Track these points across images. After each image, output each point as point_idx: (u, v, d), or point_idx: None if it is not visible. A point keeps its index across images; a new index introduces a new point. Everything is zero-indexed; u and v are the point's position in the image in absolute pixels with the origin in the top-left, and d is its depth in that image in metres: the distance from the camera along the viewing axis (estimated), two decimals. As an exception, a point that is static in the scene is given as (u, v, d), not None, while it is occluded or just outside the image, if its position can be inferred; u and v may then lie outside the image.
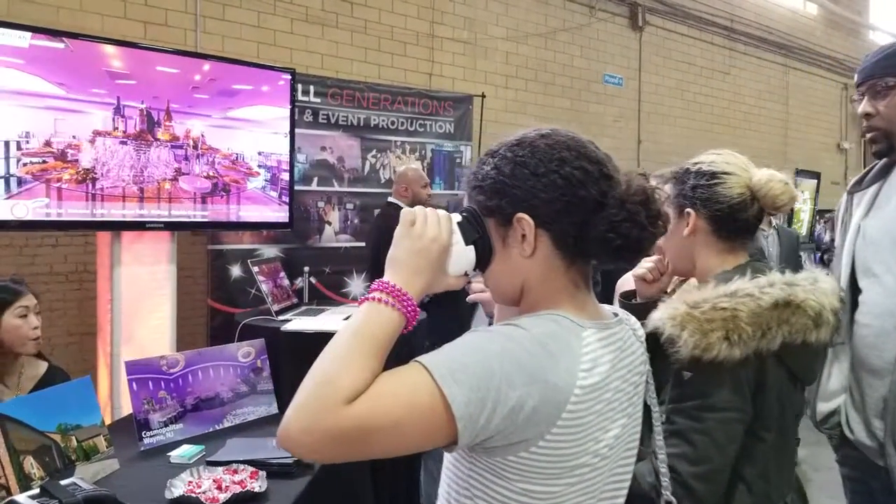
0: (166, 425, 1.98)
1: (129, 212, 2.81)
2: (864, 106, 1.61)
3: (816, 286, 1.18)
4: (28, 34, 2.56)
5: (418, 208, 0.94)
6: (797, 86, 8.63)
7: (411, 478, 2.38)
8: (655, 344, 1.06)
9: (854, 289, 1.63)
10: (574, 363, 0.86)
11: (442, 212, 0.94)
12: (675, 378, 1.19)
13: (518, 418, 0.80)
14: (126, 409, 2.50)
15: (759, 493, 1.22)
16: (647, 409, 1.03)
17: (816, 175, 7.59)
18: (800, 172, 7.26)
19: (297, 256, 4.12)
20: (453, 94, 5.01)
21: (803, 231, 7.33)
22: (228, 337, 3.90)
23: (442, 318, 3.02)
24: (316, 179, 4.30)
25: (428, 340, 2.83)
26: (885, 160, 1.66)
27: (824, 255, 6.11)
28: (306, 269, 4.20)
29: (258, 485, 1.62)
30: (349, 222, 4.50)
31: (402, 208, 3.29)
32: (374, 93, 4.55)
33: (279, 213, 3.29)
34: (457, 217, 0.94)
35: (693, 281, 1.42)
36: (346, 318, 2.61)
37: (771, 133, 8.34)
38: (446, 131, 4.88)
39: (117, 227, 2.80)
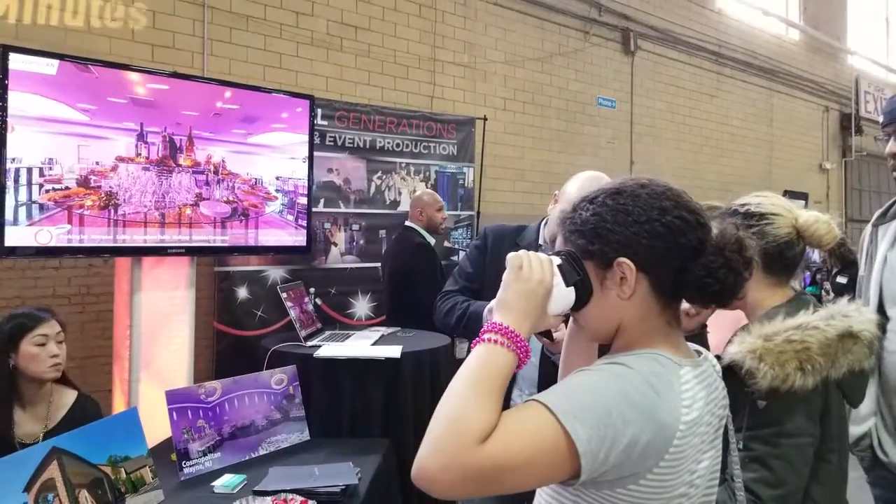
0: (205, 454, 1.99)
1: (151, 237, 2.82)
2: (891, 146, 1.70)
3: (864, 317, 1.29)
4: (56, 62, 2.58)
5: (523, 252, 0.98)
6: (781, 108, 8.84)
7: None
8: (729, 375, 1.13)
9: (881, 317, 1.70)
10: (677, 400, 0.91)
11: (543, 255, 0.98)
12: (750, 407, 1.26)
13: (633, 454, 0.85)
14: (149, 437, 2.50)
15: None
16: (724, 439, 1.08)
17: (805, 196, 7.78)
18: (788, 193, 7.42)
19: (304, 277, 4.13)
20: (456, 117, 5.07)
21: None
22: (234, 360, 3.92)
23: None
24: (322, 201, 4.33)
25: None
26: None
27: (816, 275, 6.23)
28: (312, 290, 4.22)
29: (311, 512, 1.64)
30: (355, 243, 4.53)
31: (419, 232, 3.33)
32: (380, 115, 4.59)
33: (296, 237, 3.31)
34: (557, 260, 0.99)
35: (723, 312, 1.48)
36: (375, 343, 2.62)
37: (757, 154, 8.52)
38: (450, 153, 4.94)
39: (139, 252, 2.81)
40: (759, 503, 1.19)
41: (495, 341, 0.90)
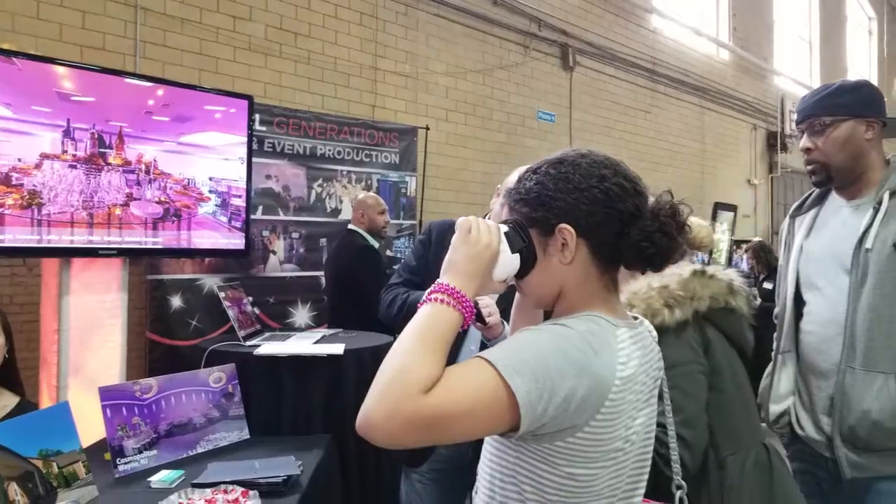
0: (140, 452, 1.94)
1: (79, 238, 2.69)
2: (804, 142, 1.81)
3: (726, 271, 1.54)
4: (-25, 52, 2.45)
5: (472, 217, 1.01)
6: (712, 125, 9.18)
7: (392, 488, 2.40)
8: None
9: (798, 302, 1.85)
10: (613, 357, 0.95)
11: (492, 222, 1.01)
12: None
13: (570, 407, 0.89)
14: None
15: (732, 432, 1.42)
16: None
17: (733, 208, 8.06)
18: (719, 205, 7.69)
19: (241, 286, 4.03)
20: (398, 126, 5.07)
21: (721, 259, 7.75)
22: (168, 370, 3.74)
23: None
24: (261, 208, 4.24)
25: None
26: (827, 188, 1.87)
27: (757, 279, 6.45)
28: (249, 298, 4.10)
29: (252, 503, 1.59)
30: (294, 251, 4.45)
31: (361, 235, 3.32)
32: (321, 122, 4.55)
33: (231, 240, 3.21)
34: (504, 228, 1.01)
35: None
36: (317, 342, 2.58)
37: (689, 169, 8.80)
38: (392, 162, 4.92)
39: (68, 253, 2.67)
40: (665, 431, 1.27)
41: (441, 300, 0.93)
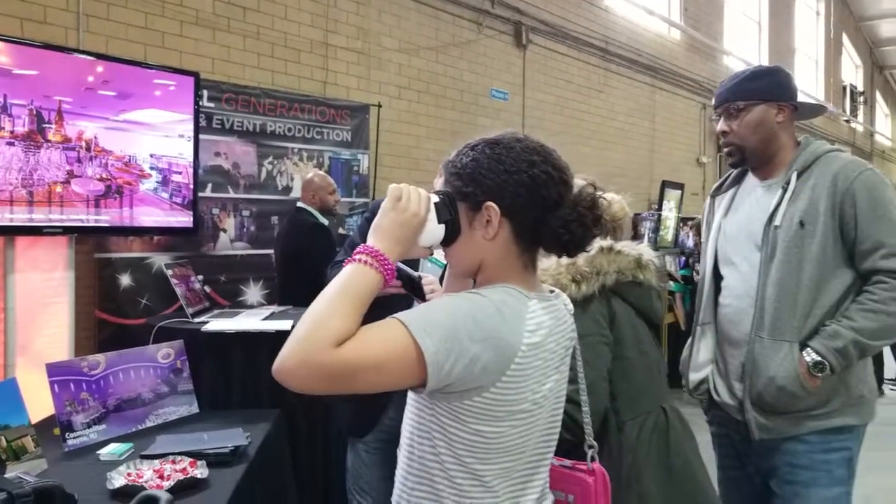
0: (89, 426, 1.98)
1: (20, 216, 2.65)
2: (720, 125, 1.92)
3: (637, 247, 1.61)
4: None
5: (404, 185, 1.07)
6: (662, 104, 9.35)
7: (339, 459, 2.47)
8: None
9: (717, 278, 1.96)
10: (521, 325, 1.02)
11: (423, 191, 1.07)
12: None
13: (475, 368, 0.96)
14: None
15: (633, 398, 1.52)
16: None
17: (681, 186, 8.25)
18: (666, 184, 7.87)
19: (191, 265, 3.99)
20: (350, 103, 5.05)
21: (669, 237, 7.95)
22: (117, 349, 3.74)
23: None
24: (210, 186, 4.20)
25: None
26: (739, 169, 2.00)
27: (689, 259, 6.64)
28: (200, 277, 4.09)
29: (200, 472, 1.63)
30: (245, 229, 4.43)
31: (311, 213, 3.35)
32: (271, 99, 4.51)
33: (176, 217, 3.19)
34: (434, 198, 1.07)
35: None
36: (266, 318, 2.62)
37: (639, 147, 8.97)
38: (343, 139, 4.91)
39: (10, 231, 2.63)
40: (572, 405, 1.34)
41: (364, 261, 0.99)
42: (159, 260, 3.96)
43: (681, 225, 8.09)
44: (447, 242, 1.09)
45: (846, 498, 1.80)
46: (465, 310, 1.00)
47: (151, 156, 3.11)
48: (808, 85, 15.25)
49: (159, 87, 3.13)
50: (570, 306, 1.21)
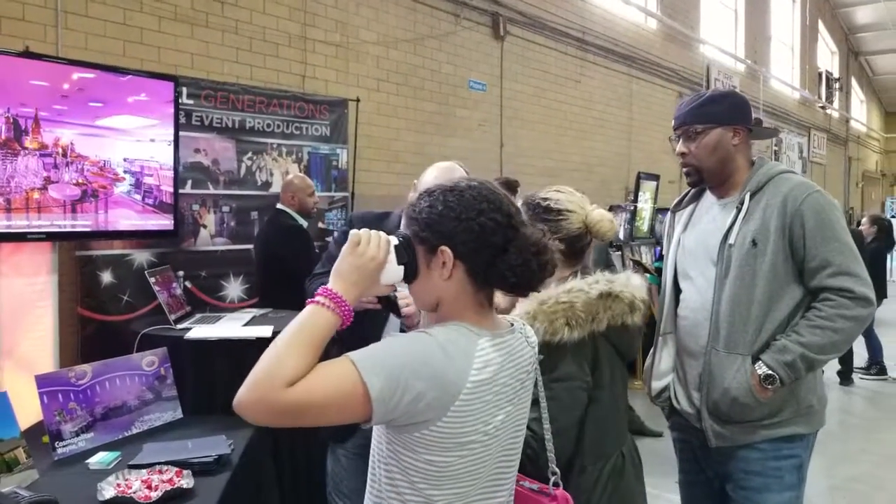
0: (78, 434, 2.07)
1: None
2: (679, 147, 2.01)
3: (629, 282, 1.61)
4: None
5: (364, 231, 1.16)
6: (639, 94, 9.45)
7: (320, 464, 2.56)
8: None
9: (677, 290, 2.07)
10: (468, 363, 1.12)
11: (384, 235, 1.16)
12: None
13: (420, 404, 1.06)
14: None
15: (598, 442, 1.56)
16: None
17: (656, 177, 8.37)
18: (642, 175, 7.99)
19: (172, 260, 4.05)
20: (328, 98, 5.09)
21: (644, 227, 8.09)
22: (101, 346, 3.80)
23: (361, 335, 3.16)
24: (190, 182, 4.24)
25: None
26: (702, 187, 2.08)
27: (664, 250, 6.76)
28: (181, 273, 4.14)
29: (186, 482, 1.71)
30: (225, 225, 4.47)
31: (290, 215, 3.43)
32: (249, 95, 4.54)
33: (158, 221, 3.24)
34: (394, 240, 1.17)
35: None
36: (246, 324, 2.70)
37: (617, 137, 9.08)
38: (322, 134, 4.96)
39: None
40: (535, 437, 1.41)
41: (322, 304, 1.08)
42: (140, 257, 4.01)
43: (657, 215, 8.23)
44: (407, 281, 1.19)
45: (796, 502, 1.91)
46: (412, 349, 1.10)
47: (125, 160, 3.15)
48: (784, 72, 15.43)
49: (140, 91, 3.16)
50: (533, 339, 1.30)
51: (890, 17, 18.06)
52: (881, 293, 6.81)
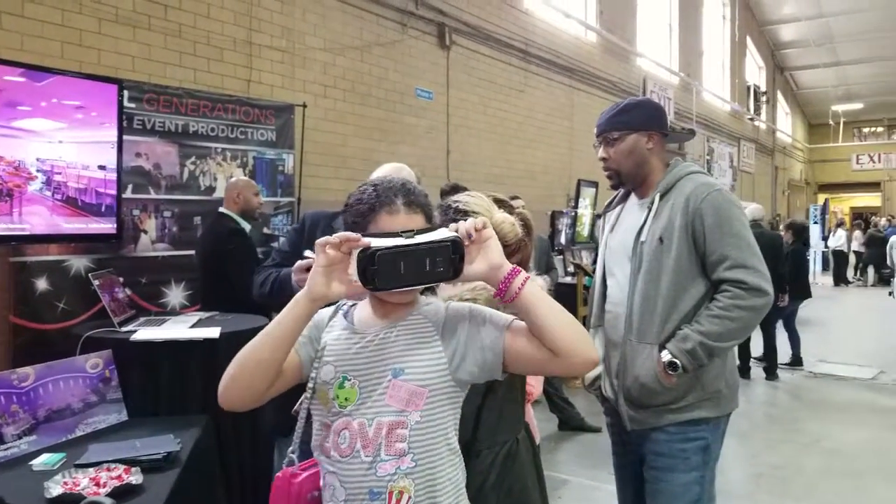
0: (20, 437, 2.01)
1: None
2: (600, 152, 2.17)
3: (538, 280, 1.61)
4: None
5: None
6: (580, 104, 9.70)
7: (266, 460, 2.55)
8: None
9: (605, 286, 2.21)
10: None
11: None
12: None
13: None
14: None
15: (493, 429, 1.62)
16: None
17: (595, 184, 8.60)
18: (582, 182, 8.20)
19: (111, 266, 3.95)
20: (274, 103, 5.07)
21: (585, 232, 8.31)
22: (35, 354, 3.67)
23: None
24: (130, 187, 4.15)
25: None
26: (626, 189, 2.23)
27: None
28: (120, 279, 4.05)
29: (135, 479, 1.70)
30: (167, 230, 4.39)
31: (233, 218, 3.41)
32: (193, 99, 4.48)
33: (100, 224, 3.18)
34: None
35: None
36: (192, 326, 2.67)
37: (559, 146, 9.29)
38: (268, 139, 4.93)
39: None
40: None
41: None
42: (77, 263, 3.90)
43: (596, 220, 8.45)
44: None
45: (700, 481, 2.02)
46: None
47: (38, 159, 3.08)
48: (716, 85, 16.06)
49: (85, 94, 3.09)
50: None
51: (812, 36, 19.05)
52: (804, 293, 7.18)
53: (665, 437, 2.01)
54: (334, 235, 1.15)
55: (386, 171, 2.16)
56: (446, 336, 1.30)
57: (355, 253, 1.14)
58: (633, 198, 2.20)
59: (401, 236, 1.16)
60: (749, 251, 1.95)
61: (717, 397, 2.02)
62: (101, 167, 3.25)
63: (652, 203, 2.04)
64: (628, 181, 2.14)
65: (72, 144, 3.12)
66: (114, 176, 3.21)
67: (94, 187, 3.21)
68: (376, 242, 1.14)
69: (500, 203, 1.80)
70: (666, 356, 1.93)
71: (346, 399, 1.26)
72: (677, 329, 1.96)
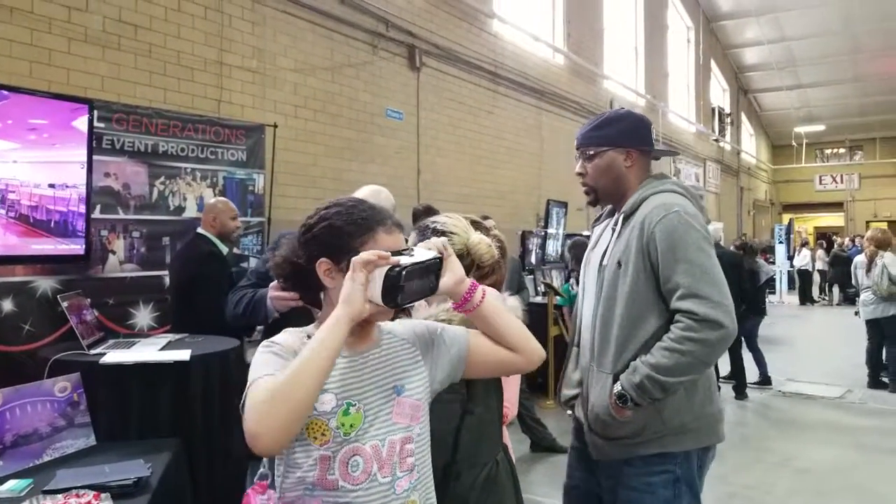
0: None
1: None
2: (578, 167, 2.10)
3: (505, 301, 1.64)
4: None
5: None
6: (549, 125, 9.85)
7: (236, 481, 2.53)
8: None
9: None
10: None
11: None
12: None
13: None
14: None
15: (473, 451, 1.61)
16: None
17: (564, 204, 8.73)
18: (551, 202, 8.31)
19: (78, 288, 3.90)
20: (245, 123, 5.07)
21: (555, 252, 8.41)
22: (0, 378, 3.60)
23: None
24: (99, 207, 4.12)
25: None
26: (611, 206, 2.14)
27: (570, 275, 7.03)
28: (88, 301, 4.00)
29: None
30: (136, 251, 4.36)
31: (210, 240, 3.41)
32: (163, 119, 4.47)
33: (68, 245, 3.15)
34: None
35: None
36: (162, 348, 2.65)
37: (528, 166, 9.41)
38: (239, 159, 4.93)
39: None
40: None
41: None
42: (44, 284, 3.85)
43: (566, 240, 8.56)
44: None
45: None
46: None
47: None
48: (681, 107, 16.42)
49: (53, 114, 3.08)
50: None
51: (774, 59, 19.62)
52: (760, 310, 7.34)
53: (632, 471, 1.92)
54: (371, 253, 1.17)
55: (365, 193, 2.19)
56: (424, 351, 1.37)
57: (382, 271, 1.17)
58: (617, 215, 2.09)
59: (402, 254, 1.22)
60: (704, 279, 1.80)
61: (682, 432, 1.89)
62: (68, 187, 3.22)
63: (616, 224, 1.96)
64: (605, 198, 2.06)
65: (33, 164, 3.09)
66: (81, 195, 3.18)
67: (60, 207, 3.18)
68: (404, 260, 1.19)
69: (476, 225, 1.83)
70: (616, 388, 1.84)
71: (350, 426, 1.22)
72: (633, 359, 1.86)
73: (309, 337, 1.25)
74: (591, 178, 2.04)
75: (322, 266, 1.26)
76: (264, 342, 1.23)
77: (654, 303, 1.87)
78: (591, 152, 2.02)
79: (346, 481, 1.20)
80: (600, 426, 1.91)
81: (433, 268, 1.25)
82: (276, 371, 1.12)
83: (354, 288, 1.14)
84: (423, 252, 1.26)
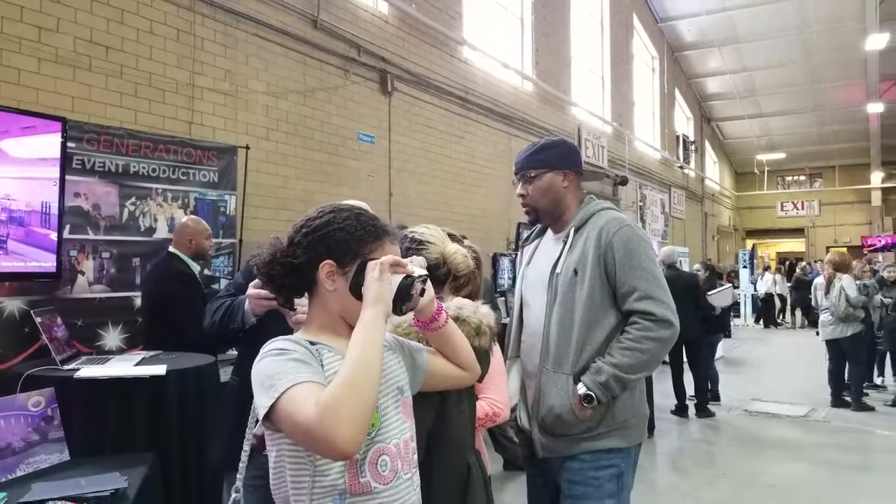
0: None
1: None
2: (519, 189, 2.25)
3: (478, 310, 1.73)
4: None
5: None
6: (518, 150, 9.96)
7: (212, 493, 2.50)
8: None
9: (522, 317, 2.26)
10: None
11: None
12: None
13: None
14: None
15: (447, 455, 1.63)
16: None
17: (536, 227, 8.83)
18: (521, 225, 8.41)
19: (55, 311, 3.85)
20: (217, 144, 5.08)
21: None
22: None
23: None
24: (68, 227, 4.07)
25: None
26: (542, 225, 2.30)
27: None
28: (58, 318, 3.93)
29: (80, 518, 1.66)
30: (105, 272, 4.31)
31: (182, 259, 3.42)
32: (134, 140, 4.46)
33: (39, 263, 3.12)
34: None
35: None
36: (137, 364, 2.63)
37: (498, 190, 9.51)
38: (210, 180, 4.92)
39: None
40: None
41: None
42: (11, 304, 3.79)
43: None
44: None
45: None
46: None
47: None
48: (647, 134, 16.79)
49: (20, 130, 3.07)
50: None
51: (736, 88, 20.22)
52: (723, 328, 7.52)
53: (579, 466, 2.05)
54: (394, 259, 1.25)
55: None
56: (402, 357, 1.43)
57: (397, 278, 1.24)
58: (549, 233, 2.28)
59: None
60: (656, 284, 2.02)
61: (626, 427, 2.06)
62: (40, 205, 3.20)
63: (567, 237, 2.12)
64: (545, 217, 2.22)
65: (4, 180, 3.07)
66: (53, 213, 3.16)
67: (33, 225, 3.15)
68: (417, 271, 1.30)
69: (452, 237, 1.89)
70: (581, 389, 1.97)
71: (372, 426, 1.23)
72: (591, 361, 2.01)
73: (312, 343, 1.25)
74: (532, 198, 2.20)
75: (325, 268, 1.26)
76: (271, 350, 1.19)
77: (608, 307, 2.05)
78: (532, 174, 2.19)
79: (378, 482, 1.22)
80: (560, 425, 2.04)
81: (423, 283, 1.32)
82: (311, 378, 1.12)
83: (385, 288, 1.19)
84: (416, 268, 1.33)
